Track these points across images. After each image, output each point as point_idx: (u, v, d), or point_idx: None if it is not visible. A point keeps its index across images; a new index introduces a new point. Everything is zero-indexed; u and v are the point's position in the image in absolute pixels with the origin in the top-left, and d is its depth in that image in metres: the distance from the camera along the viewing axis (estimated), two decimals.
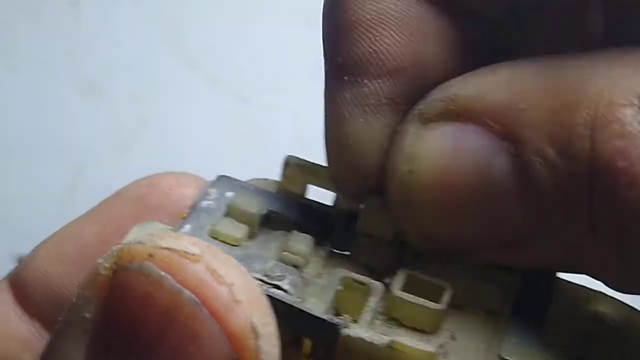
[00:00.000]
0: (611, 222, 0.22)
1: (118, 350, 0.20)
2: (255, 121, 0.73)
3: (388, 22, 0.26)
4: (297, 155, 0.30)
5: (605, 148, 0.22)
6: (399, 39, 0.26)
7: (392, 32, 0.26)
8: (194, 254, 0.20)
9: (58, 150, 0.69)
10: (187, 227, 0.27)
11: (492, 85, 0.24)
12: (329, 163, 0.28)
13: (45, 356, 0.22)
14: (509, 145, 0.23)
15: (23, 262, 0.31)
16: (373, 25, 0.26)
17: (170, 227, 0.27)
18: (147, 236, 0.21)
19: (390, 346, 0.25)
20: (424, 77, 0.26)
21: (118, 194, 0.31)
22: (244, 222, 0.28)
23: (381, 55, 0.26)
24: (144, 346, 0.20)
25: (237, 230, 0.27)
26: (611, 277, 0.25)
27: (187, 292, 0.20)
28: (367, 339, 0.25)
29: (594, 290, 0.28)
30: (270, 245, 0.28)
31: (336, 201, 0.30)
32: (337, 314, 0.26)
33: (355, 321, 0.26)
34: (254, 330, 0.20)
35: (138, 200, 0.30)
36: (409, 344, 0.25)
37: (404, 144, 0.25)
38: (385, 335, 0.25)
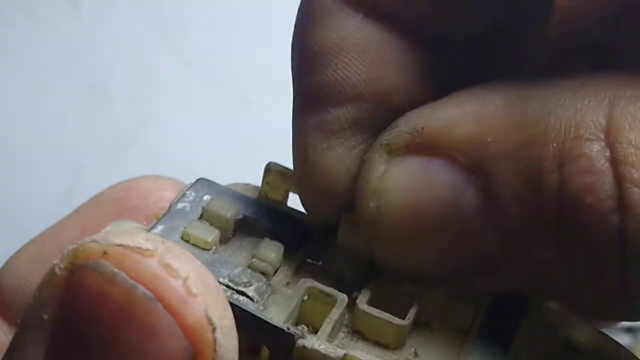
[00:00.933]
0: (582, 253, 0.23)
1: (75, 349, 0.20)
2: (254, 122, 0.73)
3: (348, 49, 0.27)
4: (279, 163, 0.30)
5: (573, 183, 0.22)
6: (359, 66, 0.27)
7: (352, 60, 0.27)
8: (147, 249, 0.20)
9: (58, 150, 0.69)
10: (160, 227, 0.27)
11: (458, 117, 0.24)
12: (297, 190, 0.28)
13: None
14: (476, 178, 0.23)
15: (2, 269, 0.31)
16: (334, 53, 0.27)
17: (143, 227, 0.27)
18: (103, 234, 0.21)
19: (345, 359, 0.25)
20: (387, 102, 0.27)
21: (97, 198, 0.31)
22: (217, 226, 0.28)
23: (342, 83, 0.27)
24: (100, 344, 0.20)
25: (208, 234, 0.27)
26: (582, 305, 0.25)
27: (141, 287, 0.20)
28: (322, 351, 0.25)
29: (569, 314, 0.28)
30: (242, 251, 0.28)
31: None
32: (297, 324, 0.26)
33: (316, 332, 0.26)
34: (210, 322, 0.20)
35: (117, 203, 0.31)
36: (363, 358, 0.24)
37: (371, 177, 0.25)
38: (346, 347, 0.25)
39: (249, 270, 0.27)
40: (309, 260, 0.29)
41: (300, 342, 0.25)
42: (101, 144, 0.70)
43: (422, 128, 0.24)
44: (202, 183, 0.29)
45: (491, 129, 0.23)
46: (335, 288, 0.27)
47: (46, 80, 0.73)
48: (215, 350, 0.20)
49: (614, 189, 0.22)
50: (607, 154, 0.22)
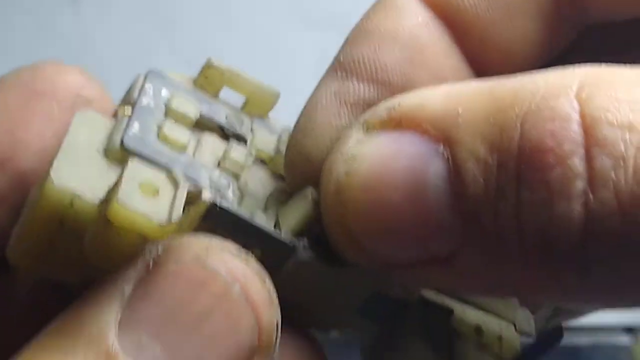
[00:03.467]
0: (537, 214, 0.22)
1: (164, 321, 0.23)
2: None
3: (400, 40, 0.28)
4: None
5: (534, 132, 0.21)
6: (401, 59, 0.28)
7: (397, 50, 0.28)
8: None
9: None
10: (136, 125, 0.26)
11: (432, 94, 0.24)
12: (288, 144, 0.29)
13: (75, 313, 0.23)
14: (444, 149, 0.23)
15: None
16: (385, 37, 0.28)
17: (109, 121, 0.27)
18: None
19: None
20: None
21: (3, 82, 0.30)
22: (183, 124, 0.28)
23: (378, 65, 0.27)
24: (192, 320, 0.23)
25: (182, 136, 0.27)
26: (544, 293, 0.24)
27: (237, 285, 0.23)
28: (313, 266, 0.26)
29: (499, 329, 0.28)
30: (202, 150, 0.28)
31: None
32: (298, 234, 0.27)
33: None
34: (277, 329, 0.24)
35: (26, 88, 0.29)
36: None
37: (344, 147, 0.25)
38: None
39: (224, 174, 0.28)
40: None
41: (300, 254, 0.26)
42: None
43: (398, 104, 0.25)
44: (155, 75, 0.29)
45: (461, 102, 0.23)
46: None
47: None
48: (272, 350, 0.24)
49: (579, 134, 0.21)
50: (576, 105, 0.21)
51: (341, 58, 0.28)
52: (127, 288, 0.23)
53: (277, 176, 0.30)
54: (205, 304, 0.23)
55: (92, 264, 0.24)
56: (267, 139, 0.30)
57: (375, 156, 0.24)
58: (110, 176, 0.25)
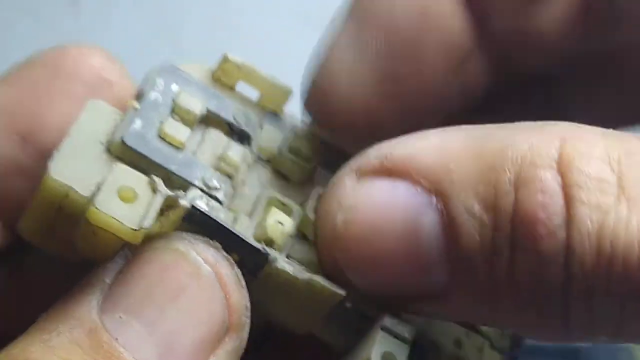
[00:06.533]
0: (529, 272, 0.25)
1: (140, 300, 0.25)
2: None
3: (427, 23, 0.31)
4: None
5: (527, 202, 0.24)
6: (410, 7, 0.31)
7: (407, 2, 0.31)
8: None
9: None
10: (138, 122, 0.27)
11: (424, 146, 0.26)
12: (310, 78, 0.31)
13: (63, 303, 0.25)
14: (437, 201, 0.25)
15: None
16: (412, 18, 0.31)
17: (118, 111, 0.28)
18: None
19: (310, 282, 0.27)
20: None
21: (30, 61, 0.32)
22: (187, 121, 0.29)
23: (389, 14, 0.31)
24: (167, 297, 0.25)
25: (182, 133, 0.28)
26: (532, 332, 0.27)
27: (207, 265, 0.25)
28: (290, 272, 0.27)
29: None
30: (205, 147, 0.29)
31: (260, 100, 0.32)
32: (268, 243, 0.27)
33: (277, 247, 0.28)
34: (247, 311, 0.26)
35: (52, 67, 0.31)
36: (324, 283, 0.27)
37: (339, 195, 0.27)
38: (299, 253, 0.28)
39: (218, 173, 0.28)
40: (261, 157, 0.31)
41: (274, 263, 0.27)
42: None
43: (391, 153, 0.26)
44: (169, 69, 0.30)
45: (453, 158, 0.26)
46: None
47: None
48: (243, 331, 0.26)
49: (563, 208, 0.24)
50: (559, 179, 0.24)
51: (359, 13, 0.31)
52: (108, 279, 0.25)
53: (278, 175, 0.30)
54: (178, 282, 0.25)
55: (81, 254, 0.26)
56: (273, 136, 0.31)
57: (370, 206, 0.26)
58: (107, 172, 0.26)
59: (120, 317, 0.24)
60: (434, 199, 0.25)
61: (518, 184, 0.25)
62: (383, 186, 0.26)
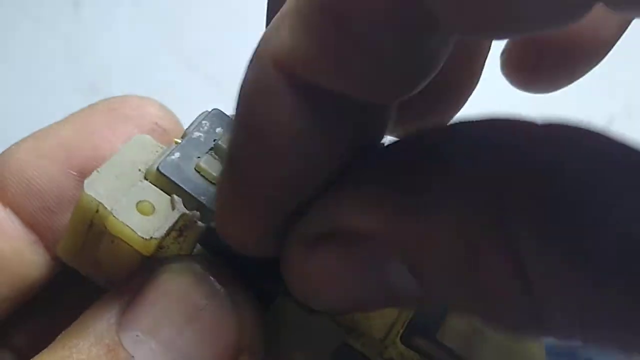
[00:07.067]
0: None
1: (157, 320, 0.25)
2: None
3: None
4: None
5: None
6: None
7: None
8: None
9: None
10: (177, 154, 0.28)
11: (360, 204, 0.24)
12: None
13: None
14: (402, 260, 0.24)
15: (1, 155, 0.33)
16: None
17: (161, 145, 0.29)
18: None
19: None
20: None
21: (91, 106, 0.34)
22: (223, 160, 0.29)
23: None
24: (184, 318, 0.25)
25: (217, 170, 0.28)
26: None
27: (223, 287, 0.26)
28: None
29: None
30: None
31: None
32: None
33: None
34: (261, 332, 0.26)
35: (111, 111, 0.33)
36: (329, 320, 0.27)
37: (292, 268, 0.25)
38: None
39: None
40: None
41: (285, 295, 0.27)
42: None
43: (332, 220, 0.24)
44: (217, 114, 0.31)
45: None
46: None
47: (46, 80, 0.73)
48: (258, 351, 0.26)
49: None
50: None
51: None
52: (127, 297, 0.26)
53: None
54: (195, 304, 0.26)
55: (105, 274, 0.28)
56: None
57: (325, 273, 0.25)
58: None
59: (137, 335, 0.25)
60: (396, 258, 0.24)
61: None
62: (333, 252, 0.24)
